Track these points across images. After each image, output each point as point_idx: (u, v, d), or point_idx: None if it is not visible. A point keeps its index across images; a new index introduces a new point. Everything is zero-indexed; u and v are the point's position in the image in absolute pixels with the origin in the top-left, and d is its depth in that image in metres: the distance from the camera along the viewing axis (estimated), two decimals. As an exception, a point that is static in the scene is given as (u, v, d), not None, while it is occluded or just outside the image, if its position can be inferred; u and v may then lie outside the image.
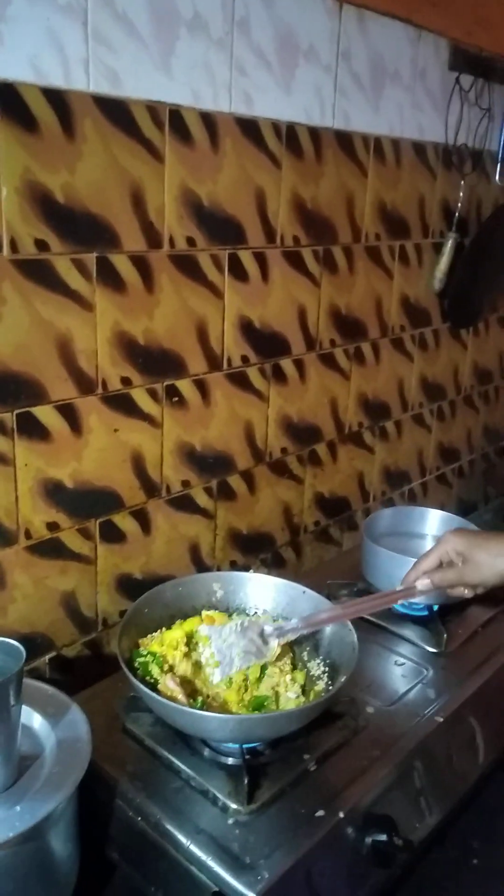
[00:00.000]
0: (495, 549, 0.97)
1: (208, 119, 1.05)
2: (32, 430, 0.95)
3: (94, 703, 0.94)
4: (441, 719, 1.01)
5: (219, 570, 1.29)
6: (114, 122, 0.94)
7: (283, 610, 1.08)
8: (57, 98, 0.88)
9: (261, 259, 1.20)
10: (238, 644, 0.94)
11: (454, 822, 1.04)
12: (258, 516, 1.35)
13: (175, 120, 1.01)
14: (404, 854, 0.88)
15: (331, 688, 0.94)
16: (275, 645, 0.96)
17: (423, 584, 0.99)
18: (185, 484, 1.19)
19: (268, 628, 0.97)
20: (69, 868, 0.82)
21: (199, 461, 1.20)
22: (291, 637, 0.98)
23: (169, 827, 0.82)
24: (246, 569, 1.33)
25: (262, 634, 0.97)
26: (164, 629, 1.01)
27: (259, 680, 0.95)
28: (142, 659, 0.95)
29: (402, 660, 1.13)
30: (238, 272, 1.17)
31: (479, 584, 0.99)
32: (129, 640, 0.97)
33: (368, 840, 0.86)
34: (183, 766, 0.89)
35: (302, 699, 0.93)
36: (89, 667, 1.09)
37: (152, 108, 0.98)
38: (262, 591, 1.10)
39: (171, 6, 0.97)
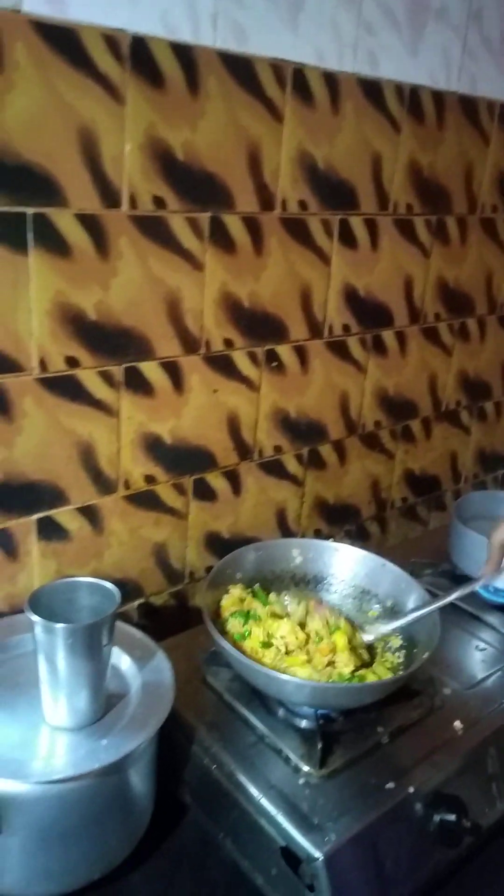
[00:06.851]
0: None
1: (331, 79, 1.03)
2: (138, 384, 0.98)
3: (177, 653, 0.96)
4: (520, 709, 0.99)
5: (303, 537, 1.30)
6: (237, 79, 0.94)
7: (362, 581, 1.09)
8: (184, 54, 0.88)
9: (371, 226, 1.18)
10: None
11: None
12: (346, 487, 1.35)
13: (298, 79, 0.99)
14: (472, 837, 0.87)
15: (409, 663, 0.93)
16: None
17: None
18: (277, 449, 1.20)
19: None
20: (145, 805, 0.86)
21: (292, 428, 1.20)
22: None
23: (242, 779, 0.85)
24: (329, 538, 1.33)
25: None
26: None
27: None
28: (227, 614, 0.98)
29: (483, 645, 1.11)
30: (347, 238, 1.15)
31: None
32: (213, 597, 1.00)
33: (437, 818, 0.85)
34: (258, 724, 0.91)
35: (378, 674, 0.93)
36: (174, 616, 1.13)
37: (276, 67, 0.97)
38: (340, 560, 1.10)
39: (303, -40, 0.95)
